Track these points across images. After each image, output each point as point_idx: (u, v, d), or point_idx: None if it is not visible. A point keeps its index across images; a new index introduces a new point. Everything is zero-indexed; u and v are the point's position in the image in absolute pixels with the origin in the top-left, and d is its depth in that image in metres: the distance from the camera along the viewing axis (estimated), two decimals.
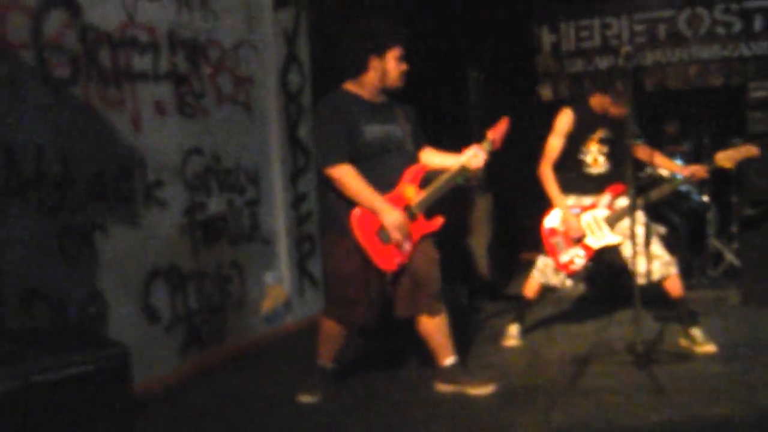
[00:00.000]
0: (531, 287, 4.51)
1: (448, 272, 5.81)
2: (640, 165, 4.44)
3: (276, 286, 4.91)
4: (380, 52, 3.46)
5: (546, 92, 7.25)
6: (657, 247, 4.16)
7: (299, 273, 5.14)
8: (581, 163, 4.30)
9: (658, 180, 4.30)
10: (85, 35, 3.55)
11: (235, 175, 4.60)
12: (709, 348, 4.12)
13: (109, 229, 3.64)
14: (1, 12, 3.16)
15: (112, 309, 3.65)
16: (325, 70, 5.49)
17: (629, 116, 3.79)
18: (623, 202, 4.18)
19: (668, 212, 5.68)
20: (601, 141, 4.26)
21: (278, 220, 4.97)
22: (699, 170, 4.14)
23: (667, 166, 4.43)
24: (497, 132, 3.71)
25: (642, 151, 4.36)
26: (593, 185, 4.28)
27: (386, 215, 3.38)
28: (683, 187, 5.95)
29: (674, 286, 4.16)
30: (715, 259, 5.95)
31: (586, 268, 4.37)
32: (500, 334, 4.86)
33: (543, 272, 4.43)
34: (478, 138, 6.12)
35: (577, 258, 4.29)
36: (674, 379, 3.74)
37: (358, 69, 3.50)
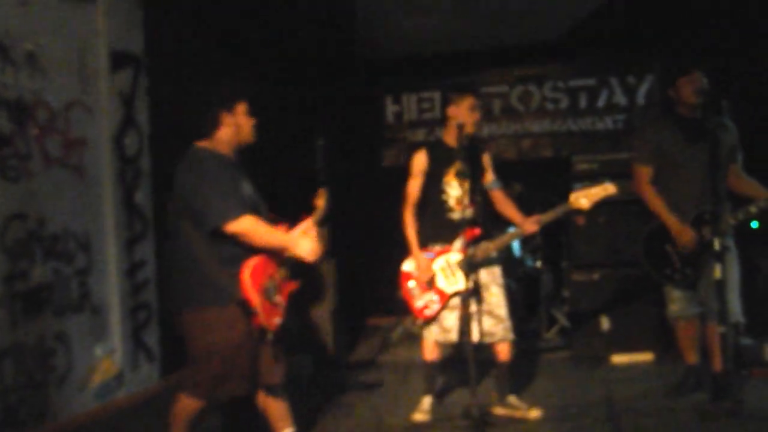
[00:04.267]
0: (428, 349, 4.40)
1: (291, 342, 5.77)
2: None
3: (106, 359, 4.63)
4: (230, 107, 3.49)
5: (389, 160, 7.43)
6: (505, 309, 4.27)
7: (133, 344, 4.87)
8: (445, 208, 4.28)
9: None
10: None
11: (63, 242, 4.32)
12: (535, 413, 4.24)
13: None
14: None
15: None
16: (166, 134, 5.37)
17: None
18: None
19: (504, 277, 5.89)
20: (459, 175, 4.22)
21: (110, 288, 4.70)
22: (534, 222, 4.23)
23: (514, 217, 4.38)
24: (321, 199, 3.93)
25: (497, 199, 4.43)
26: (457, 231, 4.22)
27: (301, 245, 3.46)
28: (518, 253, 6.23)
29: (505, 351, 4.29)
30: (548, 322, 6.22)
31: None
32: (344, 404, 4.83)
33: (429, 330, 4.35)
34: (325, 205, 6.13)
35: (432, 303, 4.27)
36: None
37: (212, 127, 3.49)
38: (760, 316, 5.30)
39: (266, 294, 3.37)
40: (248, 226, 3.33)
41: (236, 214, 3.31)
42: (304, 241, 3.49)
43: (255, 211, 3.46)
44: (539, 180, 6.51)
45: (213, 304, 3.37)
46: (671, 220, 4.29)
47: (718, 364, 4.26)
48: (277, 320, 3.45)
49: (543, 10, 6.18)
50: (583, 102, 7.16)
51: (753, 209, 4.17)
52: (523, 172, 6.85)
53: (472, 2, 6.01)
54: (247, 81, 6.36)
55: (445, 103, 4.38)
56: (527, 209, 5.63)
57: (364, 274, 7.19)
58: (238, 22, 6.01)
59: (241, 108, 3.53)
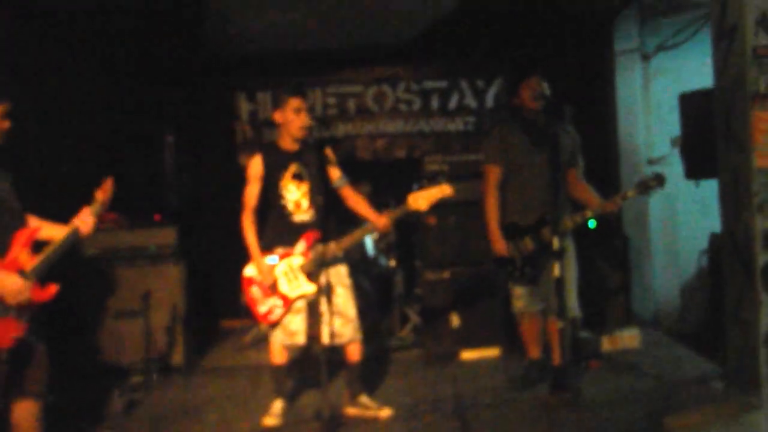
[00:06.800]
0: (275, 353, 4.32)
1: (135, 349, 5.54)
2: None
3: None
4: None
5: (244, 159, 7.28)
6: (352, 310, 4.27)
7: None
8: (285, 211, 4.24)
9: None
10: None
11: None
12: (386, 412, 4.28)
13: None
14: None
15: None
16: None
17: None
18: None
19: (358, 276, 5.91)
20: (295, 177, 4.24)
21: None
22: (385, 217, 4.20)
23: (366, 213, 4.33)
24: (104, 192, 3.63)
25: (347, 195, 4.37)
26: (299, 234, 4.25)
27: (4, 284, 3.12)
28: (371, 252, 6.27)
29: (355, 352, 4.30)
30: (401, 320, 6.30)
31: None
32: (191, 410, 4.69)
33: (275, 334, 4.28)
34: (171, 203, 5.91)
35: (276, 308, 4.22)
36: None
37: None
38: (596, 311, 5.62)
39: None
40: None
41: None
42: (9, 278, 3.16)
43: None
44: (392, 180, 6.59)
45: None
46: (492, 227, 4.56)
47: (557, 357, 4.47)
48: (12, 336, 3.18)
49: (395, 12, 6.25)
50: (435, 103, 7.31)
51: (588, 214, 4.41)
52: (376, 172, 6.91)
53: (327, 2, 5.98)
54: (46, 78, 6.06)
55: (274, 105, 4.32)
56: (378, 209, 5.70)
57: (218, 275, 7.01)
58: (83, 13, 5.71)
59: None
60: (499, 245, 4.52)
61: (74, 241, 3.41)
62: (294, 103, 4.17)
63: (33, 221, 3.50)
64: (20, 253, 3.26)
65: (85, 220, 3.45)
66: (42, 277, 3.30)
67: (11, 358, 3.18)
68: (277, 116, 4.24)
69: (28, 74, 5.36)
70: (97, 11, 5.67)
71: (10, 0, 5.12)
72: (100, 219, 5.85)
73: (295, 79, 7.08)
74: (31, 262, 3.27)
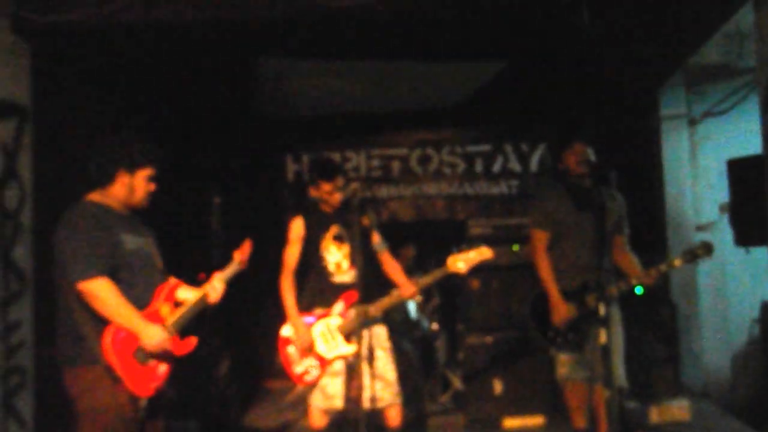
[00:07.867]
0: (314, 416, 4.28)
1: (179, 407, 5.54)
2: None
3: None
4: (131, 168, 3.38)
5: (287, 220, 7.36)
6: (392, 373, 4.22)
7: (4, 412, 4.56)
8: (326, 272, 4.27)
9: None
10: None
11: None
12: None
13: None
14: None
15: None
16: (52, 189, 5.15)
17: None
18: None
19: (399, 339, 5.87)
20: (336, 238, 4.27)
21: None
22: (413, 286, 4.20)
23: (397, 280, 4.35)
24: (243, 253, 3.72)
25: (384, 260, 4.38)
26: (338, 294, 4.26)
27: (147, 333, 3.18)
28: (413, 315, 6.23)
29: (395, 417, 4.23)
30: (443, 384, 6.21)
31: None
32: None
33: (314, 397, 4.25)
34: (219, 264, 5.99)
35: (312, 369, 4.19)
36: None
37: (105, 181, 3.37)
38: (643, 381, 5.47)
39: (137, 356, 3.20)
40: (98, 290, 3.15)
41: (88, 275, 3.14)
42: (154, 330, 3.22)
43: (141, 263, 3.35)
44: (435, 242, 6.58)
45: (83, 364, 3.19)
46: (553, 292, 4.38)
47: (603, 427, 4.33)
48: (152, 386, 3.25)
49: (441, 77, 6.34)
50: (479, 167, 7.33)
51: (634, 281, 4.33)
52: (419, 234, 6.92)
53: (373, 68, 6.10)
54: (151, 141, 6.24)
55: (311, 181, 4.39)
56: (424, 270, 5.69)
57: (261, 335, 7.02)
58: (134, 77, 5.90)
59: (143, 173, 3.42)
60: (562, 310, 4.35)
61: (203, 307, 3.50)
62: (326, 187, 4.25)
63: (171, 281, 3.60)
64: (162, 306, 3.38)
65: (215, 287, 3.54)
66: (180, 332, 3.40)
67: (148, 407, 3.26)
68: (312, 191, 4.35)
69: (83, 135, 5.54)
70: (151, 74, 5.86)
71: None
72: None
73: (340, 142, 7.27)
74: (171, 316, 3.38)
